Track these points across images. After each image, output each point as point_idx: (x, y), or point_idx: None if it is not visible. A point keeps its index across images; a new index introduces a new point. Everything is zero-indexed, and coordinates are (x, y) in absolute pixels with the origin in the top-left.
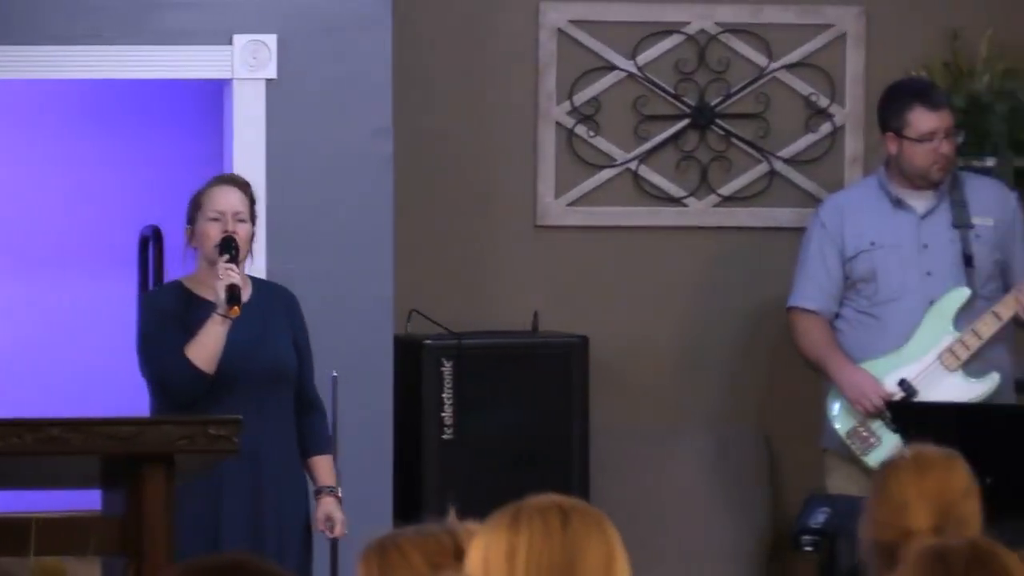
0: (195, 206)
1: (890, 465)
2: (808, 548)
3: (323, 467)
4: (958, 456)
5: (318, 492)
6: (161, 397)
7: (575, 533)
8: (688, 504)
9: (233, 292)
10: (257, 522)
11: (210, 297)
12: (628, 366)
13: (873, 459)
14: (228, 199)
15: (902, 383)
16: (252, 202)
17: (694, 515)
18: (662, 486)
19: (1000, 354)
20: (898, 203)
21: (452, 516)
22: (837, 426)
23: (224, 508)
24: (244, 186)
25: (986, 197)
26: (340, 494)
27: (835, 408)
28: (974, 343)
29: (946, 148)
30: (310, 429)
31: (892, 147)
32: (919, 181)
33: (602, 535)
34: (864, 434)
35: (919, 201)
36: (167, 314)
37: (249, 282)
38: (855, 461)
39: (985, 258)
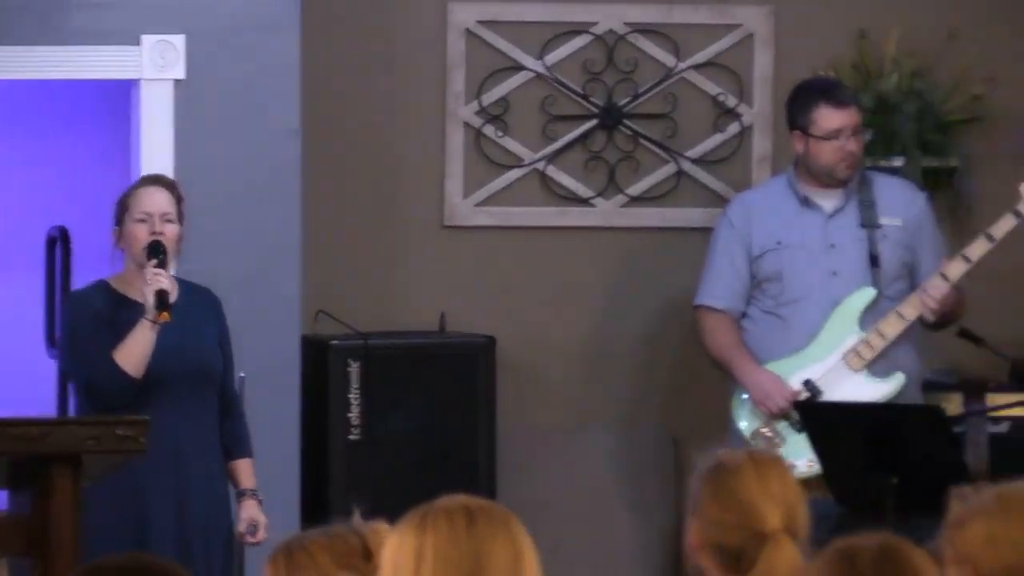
0: (122, 207)
1: (724, 468)
2: None
3: (244, 470)
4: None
5: (240, 495)
6: (88, 399)
7: (481, 534)
8: (595, 503)
9: (162, 297)
10: (183, 525)
11: (138, 298)
12: (535, 366)
13: None
14: (155, 200)
15: (807, 383)
16: (179, 201)
17: (600, 514)
18: (569, 485)
19: (906, 354)
20: (806, 202)
21: (358, 517)
22: (742, 426)
23: (151, 510)
24: (171, 186)
25: (895, 197)
26: (261, 497)
27: (740, 408)
28: (879, 343)
29: (852, 146)
30: (231, 432)
31: (799, 146)
32: (826, 179)
33: (509, 535)
34: (768, 435)
35: (827, 200)
36: (96, 316)
37: (176, 284)
38: None
39: (892, 258)
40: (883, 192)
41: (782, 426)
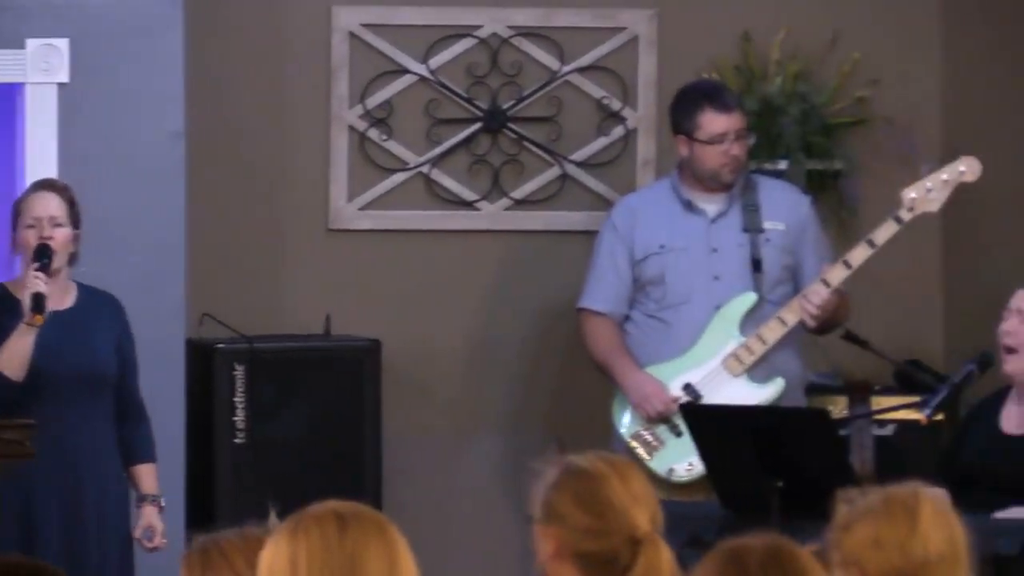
0: (15, 213)
1: (585, 474)
2: None
3: (146, 475)
4: None
5: (140, 500)
6: None
7: (354, 540)
8: (480, 507)
9: (37, 300)
10: (74, 528)
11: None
12: (420, 369)
13: (657, 463)
14: (44, 205)
15: (687, 387)
16: (72, 205)
17: (486, 518)
18: (454, 489)
19: (787, 359)
20: (689, 206)
21: (273, 518)
22: (622, 429)
23: (38, 513)
24: (62, 190)
25: (779, 201)
26: (163, 503)
27: (620, 411)
28: (759, 348)
29: (736, 150)
30: (133, 436)
31: (683, 150)
32: (710, 183)
33: (383, 540)
34: (648, 438)
35: (710, 204)
36: None
37: (74, 287)
38: (641, 465)
39: (774, 263)
40: (767, 196)
41: (662, 429)
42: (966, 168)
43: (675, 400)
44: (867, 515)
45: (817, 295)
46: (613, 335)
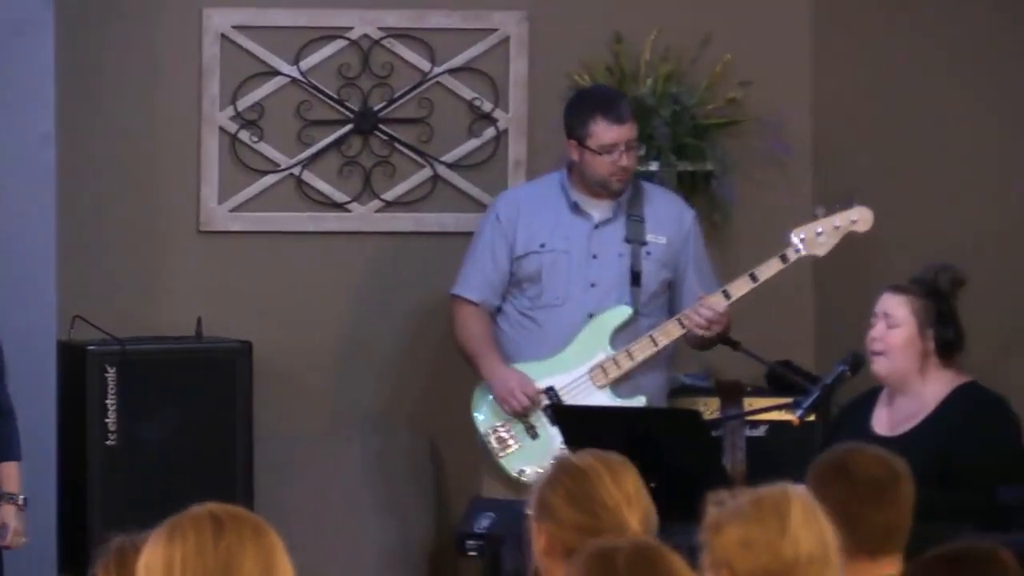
0: None
1: (581, 473)
2: (472, 553)
3: (7, 473)
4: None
5: None
6: None
7: (230, 543)
8: (353, 508)
9: None
10: None
11: None
12: (292, 371)
13: (509, 462)
14: None
15: (549, 390)
16: None
17: (359, 519)
18: (327, 489)
19: (651, 380)
20: (575, 208)
21: None
22: (479, 420)
23: None
24: None
25: (664, 214)
26: (21, 502)
27: (481, 402)
28: (626, 364)
29: (627, 161)
30: None
31: (574, 155)
32: (598, 190)
33: (259, 543)
34: (504, 435)
35: (596, 210)
36: None
37: None
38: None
39: (653, 276)
40: (653, 208)
41: (519, 429)
42: (859, 218)
43: (541, 391)
44: (737, 516)
45: (718, 304)
46: (483, 326)
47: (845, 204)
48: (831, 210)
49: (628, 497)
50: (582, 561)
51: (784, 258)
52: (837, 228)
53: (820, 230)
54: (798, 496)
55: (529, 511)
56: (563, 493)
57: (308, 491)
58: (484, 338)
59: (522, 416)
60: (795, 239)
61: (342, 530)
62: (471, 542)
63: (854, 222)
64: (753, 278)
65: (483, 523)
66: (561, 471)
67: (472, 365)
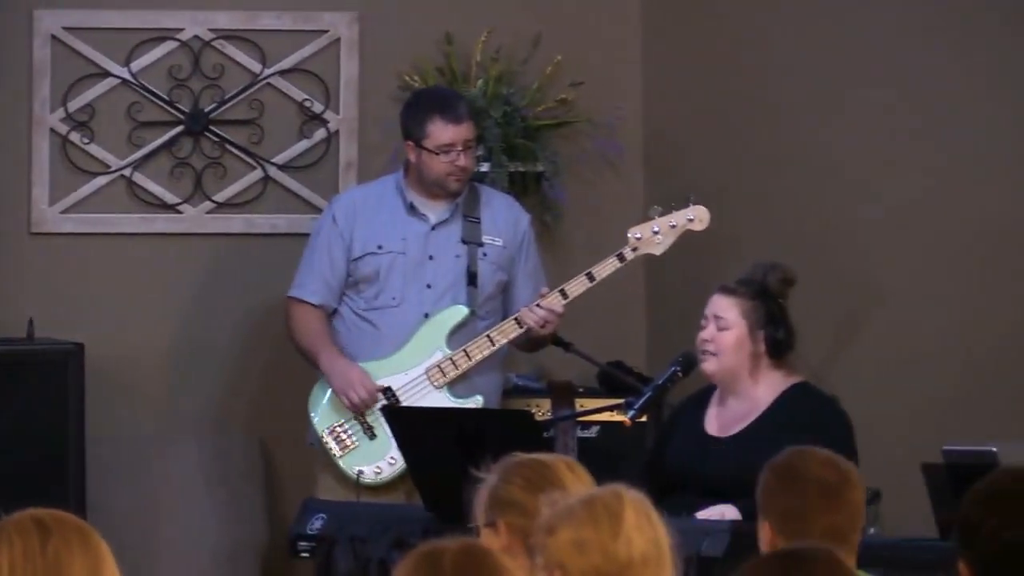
0: None
1: (536, 462)
2: (304, 554)
3: None
4: None
5: None
6: None
7: (57, 548)
8: (186, 509)
9: None
10: None
11: None
12: (124, 372)
13: (347, 463)
14: None
15: (386, 391)
16: None
17: (192, 520)
18: (160, 492)
19: (488, 380)
20: (412, 209)
21: None
22: (316, 421)
23: None
24: None
25: (500, 216)
26: None
27: (318, 401)
28: (463, 364)
29: (464, 161)
30: None
31: (411, 156)
32: (436, 190)
33: (85, 548)
34: (342, 435)
35: (433, 211)
36: None
37: None
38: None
39: (489, 277)
40: (490, 210)
41: (356, 430)
42: (695, 217)
43: (380, 389)
44: (570, 518)
45: (556, 303)
46: (320, 324)
47: (682, 203)
48: (668, 209)
49: (585, 483)
50: (410, 563)
51: (621, 257)
52: (674, 227)
53: (657, 229)
54: (631, 498)
55: (476, 522)
56: (521, 483)
57: (141, 493)
58: (323, 334)
59: (360, 416)
60: (632, 238)
61: (176, 532)
62: (303, 543)
63: (691, 221)
64: (591, 277)
65: (315, 524)
66: (513, 467)
67: (311, 361)
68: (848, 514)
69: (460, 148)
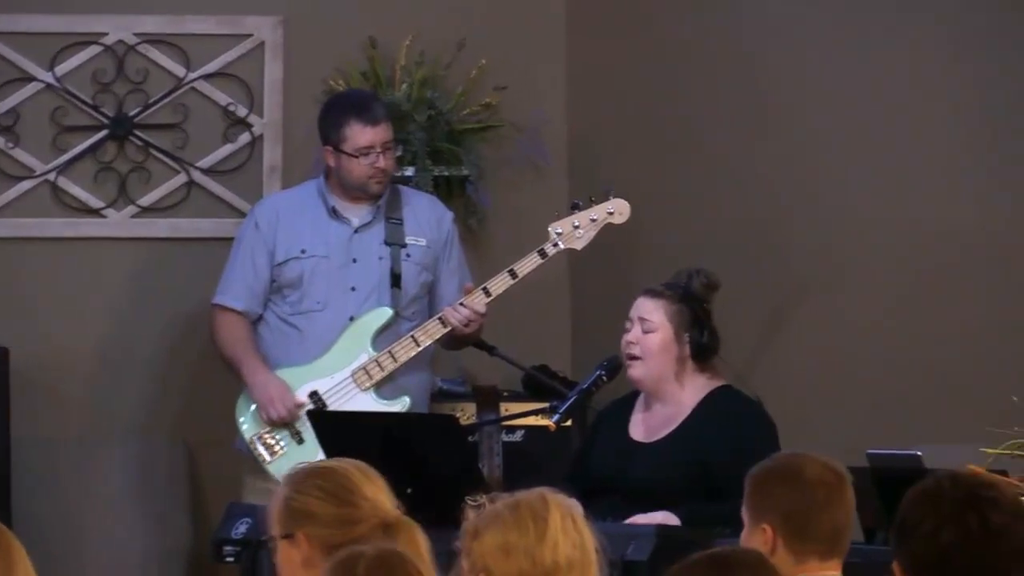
0: None
1: (328, 469)
2: (230, 559)
3: None
4: None
5: None
6: None
7: None
8: (111, 514)
9: None
10: None
11: None
12: (50, 377)
13: (275, 468)
14: None
15: (313, 395)
16: None
17: (116, 525)
18: (85, 497)
19: (415, 380)
20: (334, 213)
21: None
22: (244, 428)
23: None
24: None
25: (423, 216)
26: None
27: (245, 409)
28: (389, 365)
29: (383, 162)
30: None
31: (331, 160)
32: (357, 194)
33: (2, 549)
34: (270, 441)
35: (355, 214)
36: None
37: None
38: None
39: (413, 279)
40: (412, 210)
41: (284, 435)
42: (615, 209)
43: (299, 406)
44: (496, 522)
45: (478, 302)
46: (244, 332)
47: (601, 197)
48: (588, 203)
49: (379, 486)
50: (329, 565)
51: (543, 253)
52: (594, 221)
53: (577, 223)
54: (557, 502)
55: (272, 534)
56: (317, 493)
57: (67, 497)
58: (246, 344)
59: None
60: (553, 233)
61: (101, 536)
62: (228, 548)
63: (611, 214)
64: (512, 274)
65: (240, 529)
66: (305, 475)
67: (235, 371)
68: (846, 513)
69: (379, 150)
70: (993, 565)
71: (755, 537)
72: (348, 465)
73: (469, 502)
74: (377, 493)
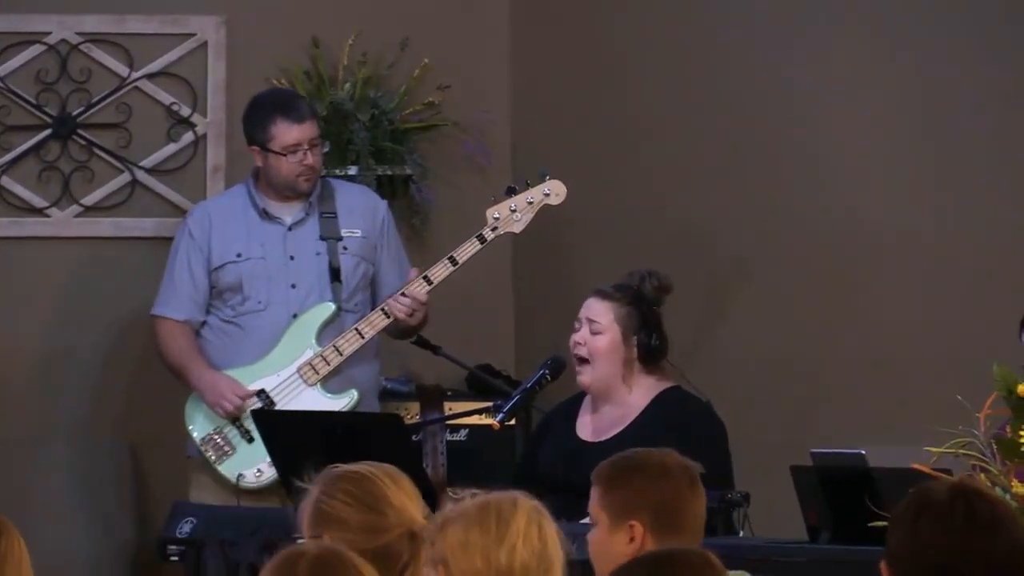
0: None
1: (359, 476)
2: (174, 558)
3: None
4: None
5: None
6: None
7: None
8: (52, 515)
9: None
10: None
11: None
12: None
13: (227, 468)
14: None
15: (261, 394)
16: None
17: (58, 526)
18: (25, 497)
19: (362, 372)
20: (266, 214)
21: None
22: (194, 433)
23: None
24: None
25: (356, 207)
26: None
27: (194, 413)
28: (334, 359)
29: (311, 159)
30: None
31: (258, 160)
32: (287, 192)
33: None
34: (219, 442)
35: (287, 213)
36: None
37: None
38: (214, 469)
39: (352, 271)
40: (345, 202)
41: (233, 435)
42: (551, 191)
43: (251, 393)
44: (462, 517)
45: (419, 291)
46: (187, 340)
47: (537, 179)
48: (524, 187)
49: (408, 494)
50: (271, 565)
51: (481, 238)
52: (531, 203)
53: (515, 207)
54: (527, 507)
55: (303, 535)
56: (345, 498)
57: (8, 497)
58: (190, 350)
59: (235, 420)
60: (491, 218)
61: (44, 537)
62: (173, 547)
63: (547, 195)
64: (452, 261)
65: (185, 528)
66: (336, 479)
67: (181, 378)
68: (703, 504)
69: (306, 147)
70: (978, 557)
71: (618, 536)
72: (379, 471)
73: (449, 494)
74: (405, 501)
